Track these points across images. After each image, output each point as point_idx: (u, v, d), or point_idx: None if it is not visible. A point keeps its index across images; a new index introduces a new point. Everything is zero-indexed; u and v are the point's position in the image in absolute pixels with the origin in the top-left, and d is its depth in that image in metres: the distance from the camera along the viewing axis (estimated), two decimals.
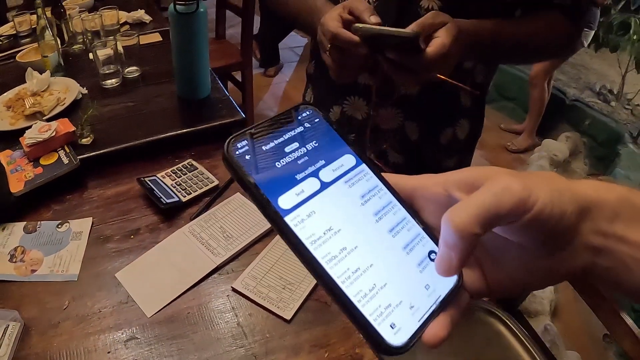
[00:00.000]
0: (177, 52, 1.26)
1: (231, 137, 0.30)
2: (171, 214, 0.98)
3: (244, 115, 1.22)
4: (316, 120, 0.33)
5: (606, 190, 0.30)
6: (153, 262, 0.88)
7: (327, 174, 0.31)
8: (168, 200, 0.97)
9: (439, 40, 0.71)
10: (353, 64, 0.78)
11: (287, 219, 0.28)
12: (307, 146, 0.31)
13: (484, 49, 0.86)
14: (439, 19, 0.73)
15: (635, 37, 3.42)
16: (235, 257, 0.89)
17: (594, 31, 3.07)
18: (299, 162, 0.31)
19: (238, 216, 0.96)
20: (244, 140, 0.30)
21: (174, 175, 1.05)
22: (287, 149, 0.31)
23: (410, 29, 0.71)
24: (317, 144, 0.32)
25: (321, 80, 1.08)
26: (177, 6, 1.16)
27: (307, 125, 0.32)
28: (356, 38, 0.72)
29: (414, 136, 0.98)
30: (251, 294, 0.82)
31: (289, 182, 0.29)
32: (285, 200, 0.29)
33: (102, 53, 1.41)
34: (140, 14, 1.88)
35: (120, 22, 1.81)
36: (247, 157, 0.29)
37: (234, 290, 0.83)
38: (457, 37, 0.73)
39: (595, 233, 0.30)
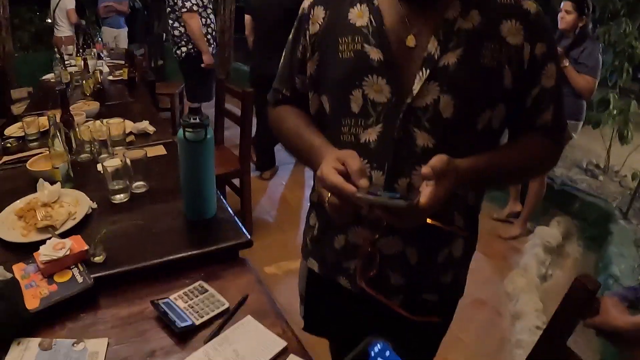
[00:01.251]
0: (186, 176, 1.34)
1: None
2: (185, 336, 1.04)
3: (249, 237, 1.32)
4: (387, 353, 0.35)
5: None
6: None
7: None
8: (182, 325, 1.03)
9: (431, 192, 0.82)
10: (352, 209, 0.90)
11: None
12: None
13: (480, 181, 0.98)
14: (444, 169, 0.83)
15: (615, 112, 3.68)
16: None
17: (581, 122, 3.23)
18: None
19: (250, 338, 1.03)
20: None
21: (185, 297, 1.12)
22: None
23: (424, 172, 0.82)
24: None
25: (325, 210, 1.19)
26: (187, 134, 1.26)
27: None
28: (357, 199, 0.84)
29: (414, 260, 1.08)
30: None
31: None
32: None
33: (110, 165, 1.49)
34: (145, 125, 2.01)
35: (125, 132, 1.93)
36: None
37: None
38: (452, 181, 0.84)
39: None
